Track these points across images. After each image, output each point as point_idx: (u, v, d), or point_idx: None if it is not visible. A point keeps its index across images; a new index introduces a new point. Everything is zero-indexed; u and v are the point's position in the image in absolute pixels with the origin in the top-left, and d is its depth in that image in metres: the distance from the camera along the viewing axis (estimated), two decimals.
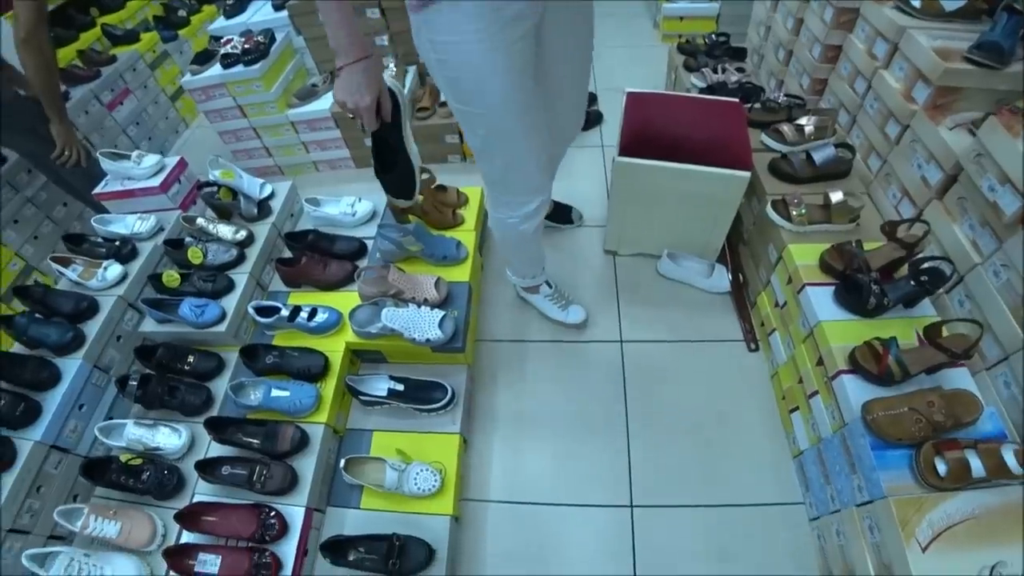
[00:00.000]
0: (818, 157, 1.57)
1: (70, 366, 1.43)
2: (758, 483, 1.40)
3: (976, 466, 1.01)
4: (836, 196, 1.43)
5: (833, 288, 1.33)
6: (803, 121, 1.69)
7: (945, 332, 1.15)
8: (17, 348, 1.48)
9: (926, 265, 1.25)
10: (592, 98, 2.58)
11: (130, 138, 2.64)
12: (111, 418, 1.50)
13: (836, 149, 1.58)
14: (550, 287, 1.70)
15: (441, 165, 2.37)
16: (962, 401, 1.10)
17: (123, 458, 1.36)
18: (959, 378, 1.17)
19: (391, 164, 1.18)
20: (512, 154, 1.17)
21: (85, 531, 1.27)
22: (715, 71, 2.14)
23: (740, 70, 2.15)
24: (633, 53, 3.03)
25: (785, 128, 1.68)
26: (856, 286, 1.27)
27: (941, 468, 1.02)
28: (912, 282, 1.24)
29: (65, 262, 1.58)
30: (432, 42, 0.98)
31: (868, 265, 1.31)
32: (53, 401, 1.38)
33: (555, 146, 1.49)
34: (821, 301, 1.31)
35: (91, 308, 1.52)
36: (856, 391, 1.16)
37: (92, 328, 1.49)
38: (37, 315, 1.49)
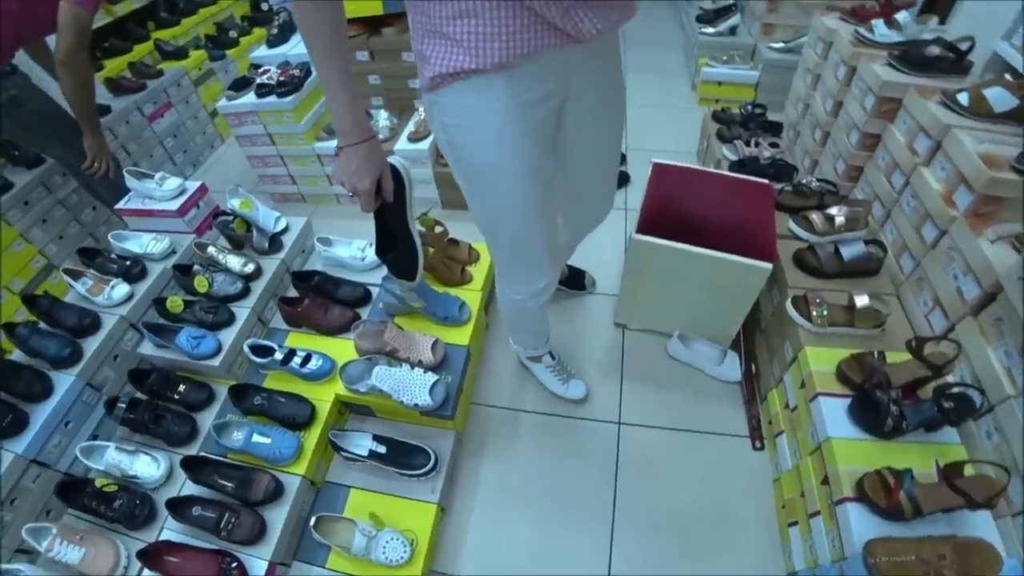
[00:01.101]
0: (847, 253, 1.49)
1: (63, 381, 1.43)
2: None
3: None
4: (861, 300, 1.35)
5: (848, 401, 1.24)
6: (834, 211, 1.61)
7: (968, 469, 1.06)
8: (17, 356, 1.49)
9: (954, 391, 1.16)
10: (621, 158, 2.55)
11: (166, 150, 2.72)
12: (96, 437, 1.49)
13: (867, 246, 1.51)
14: (553, 359, 1.64)
15: (459, 212, 2.35)
16: (979, 553, 0.99)
17: (98, 483, 1.34)
18: (979, 522, 1.06)
19: (391, 244, 1.15)
20: (520, 238, 1.10)
21: (49, 553, 1.25)
22: (748, 144, 2.09)
23: (774, 145, 2.10)
24: (668, 113, 3.00)
25: (814, 217, 1.61)
26: (873, 404, 1.18)
27: None
28: (936, 408, 1.15)
29: (76, 275, 1.60)
30: (443, 124, 0.93)
31: (889, 381, 1.22)
32: (41, 415, 1.37)
33: (575, 233, 1.47)
34: (834, 414, 1.23)
35: (93, 325, 1.52)
36: (861, 523, 1.06)
37: (91, 345, 1.50)
38: (40, 325, 1.50)
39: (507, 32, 0.77)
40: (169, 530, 1.32)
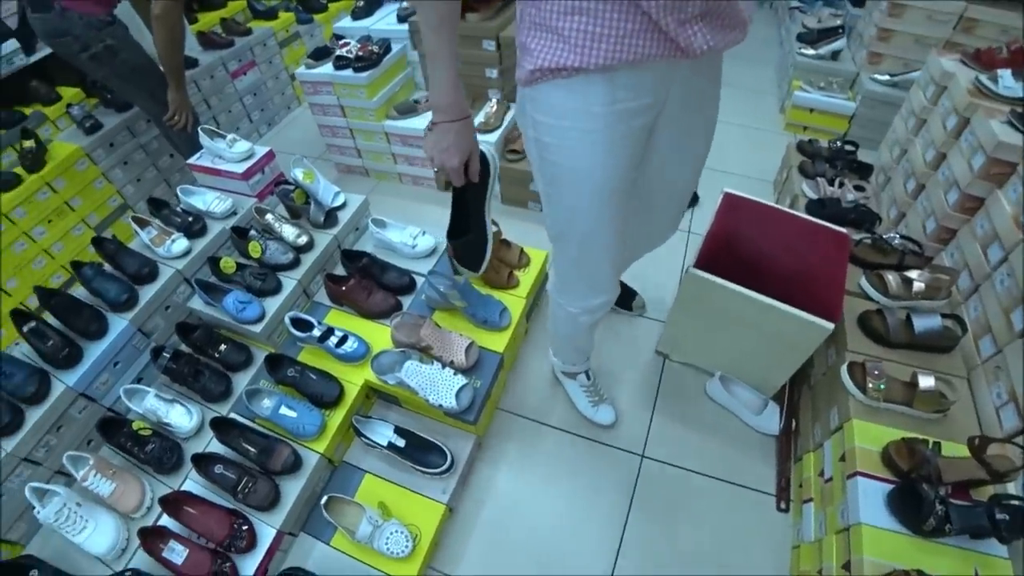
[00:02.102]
0: (919, 325, 1.37)
1: (118, 324, 1.52)
2: None
3: None
4: (926, 381, 1.24)
5: (890, 488, 1.15)
6: (914, 275, 1.48)
7: None
8: (80, 293, 1.58)
9: (1013, 503, 1.05)
10: None
11: (244, 107, 2.81)
12: (140, 380, 1.58)
13: (943, 320, 1.38)
14: (588, 379, 1.60)
15: (518, 209, 2.33)
16: None
17: (135, 425, 1.42)
18: None
19: (464, 229, 1.13)
20: (589, 249, 1.08)
21: (84, 482, 1.34)
22: (832, 183, 1.95)
23: (859, 188, 1.95)
24: (751, 135, 2.82)
25: (890, 278, 1.49)
26: (917, 497, 1.08)
27: None
28: (987, 517, 1.05)
29: (143, 224, 1.68)
30: (535, 121, 0.90)
31: (940, 476, 1.12)
32: (94, 352, 1.46)
33: (639, 249, 1.42)
34: (871, 498, 1.14)
35: (151, 274, 1.60)
36: None
37: (147, 293, 1.58)
38: (105, 268, 1.60)
39: (617, 35, 0.75)
40: (192, 481, 1.39)
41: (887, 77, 2.50)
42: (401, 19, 2.32)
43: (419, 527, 1.35)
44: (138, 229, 1.66)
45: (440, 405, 1.38)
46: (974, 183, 1.57)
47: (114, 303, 1.53)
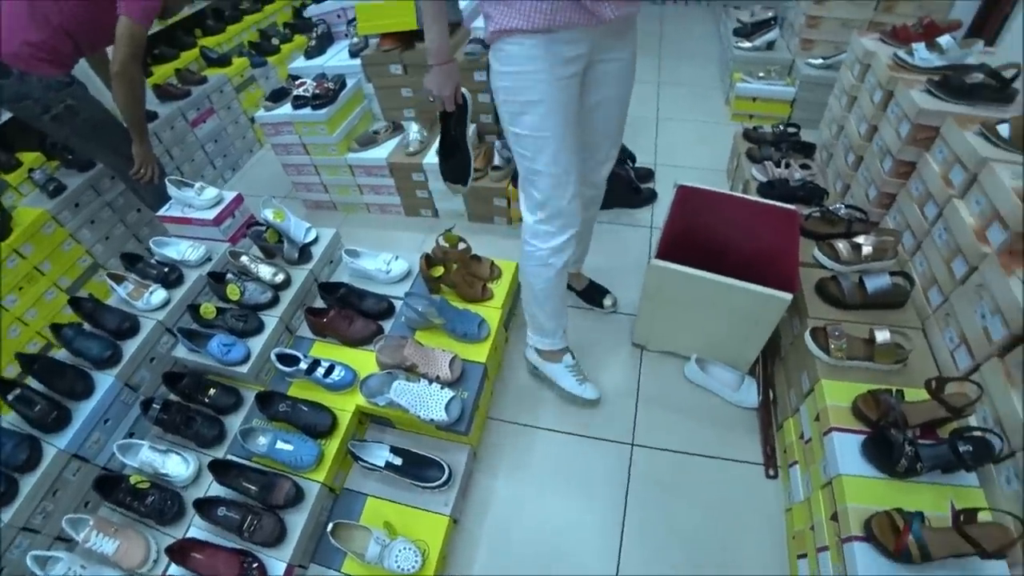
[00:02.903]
0: (871, 285, 1.47)
1: (104, 381, 1.53)
2: None
3: None
4: (882, 336, 1.33)
5: (862, 438, 1.22)
6: (861, 240, 1.58)
7: (983, 514, 1.04)
8: (62, 355, 1.59)
9: (973, 435, 1.13)
10: (648, 174, 2.54)
11: (207, 154, 2.84)
12: (131, 435, 1.58)
13: (892, 278, 1.48)
14: (572, 359, 1.67)
15: (485, 225, 2.40)
16: None
17: (132, 480, 1.43)
18: (991, 568, 1.04)
19: (452, 151, 1.45)
20: (553, 168, 1.28)
21: (86, 544, 1.34)
22: (778, 165, 2.07)
23: (805, 166, 2.06)
24: (700, 128, 2.96)
25: (840, 246, 1.59)
26: (887, 443, 1.16)
27: None
28: (952, 451, 1.13)
29: (118, 279, 1.69)
30: (497, 72, 1.20)
31: (906, 420, 1.20)
32: (83, 412, 1.47)
33: (591, 175, 1.55)
34: (847, 450, 1.21)
35: (133, 328, 1.62)
36: (868, 564, 1.06)
37: (130, 347, 1.59)
38: (84, 327, 1.61)
39: (551, 7, 1.07)
40: (196, 528, 1.39)
41: (820, 60, 2.66)
42: (353, 54, 2.39)
43: (426, 542, 1.37)
44: (114, 285, 1.68)
45: (432, 420, 1.42)
46: (904, 149, 1.69)
47: (98, 361, 1.54)
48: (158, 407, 1.52)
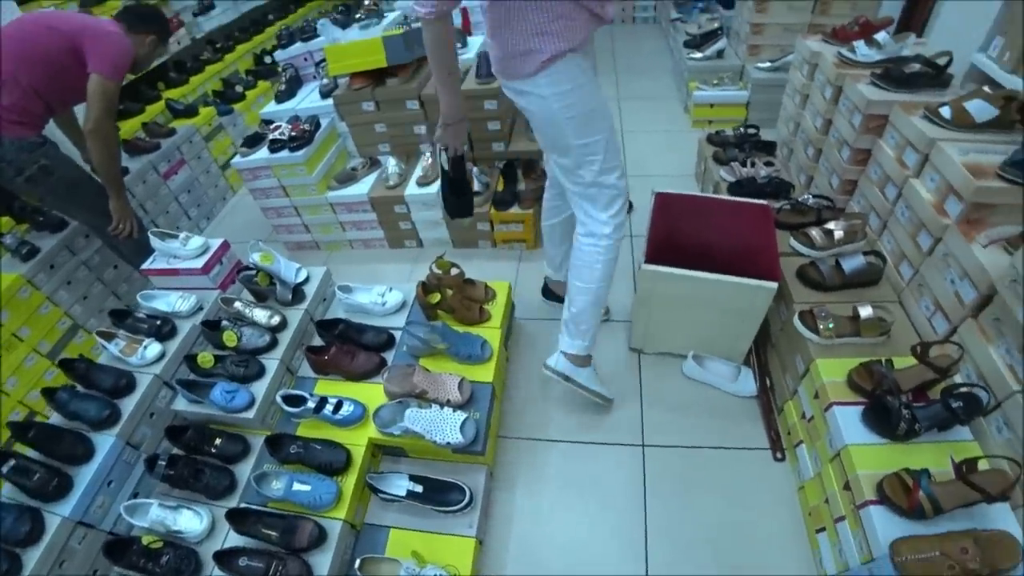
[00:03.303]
0: (848, 266, 1.55)
1: (104, 442, 1.49)
2: None
3: None
4: (865, 311, 1.41)
5: (861, 409, 1.29)
6: (832, 225, 1.68)
7: (983, 463, 1.11)
8: (55, 419, 1.54)
9: (961, 391, 1.21)
10: None
11: (180, 205, 2.81)
12: (136, 494, 1.54)
13: (866, 257, 1.57)
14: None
15: (470, 250, 2.45)
16: (1001, 545, 1.04)
17: (144, 540, 1.38)
18: (998, 515, 1.11)
19: (459, 189, 1.60)
20: (620, 164, 1.45)
21: None
22: (744, 164, 2.18)
23: (769, 164, 2.18)
24: (665, 138, 3.09)
25: (814, 233, 1.69)
26: (885, 409, 1.23)
27: None
28: (945, 409, 1.20)
29: (109, 337, 1.67)
30: (556, 93, 1.29)
31: (898, 386, 1.27)
32: (85, 476, 1.42)
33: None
34: (849, 422, 1.28)
35: (129, 385, 1.59)
36: (885, 525, 1.11)
37: (128, 405, 1.55)
38: (78, 388, 1.57)
39: (580, 24, 1.23)
40: None
41: (768, 64, 2.83)
42: (324, 95, 2.43)
43: (455, 566, 1.37)
44: (104, 343, 1.64)
45: (448, 443, 1.43)
46: (859, 138, 1.81)
47: (96, 422, 1.50)
48: (164, 463, 1.48)
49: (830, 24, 2.22)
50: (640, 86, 3.64)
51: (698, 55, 3.11)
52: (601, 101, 1.38)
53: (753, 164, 2.17)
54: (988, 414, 1.24)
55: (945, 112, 1.54)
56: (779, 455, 1.58)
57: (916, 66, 1.76)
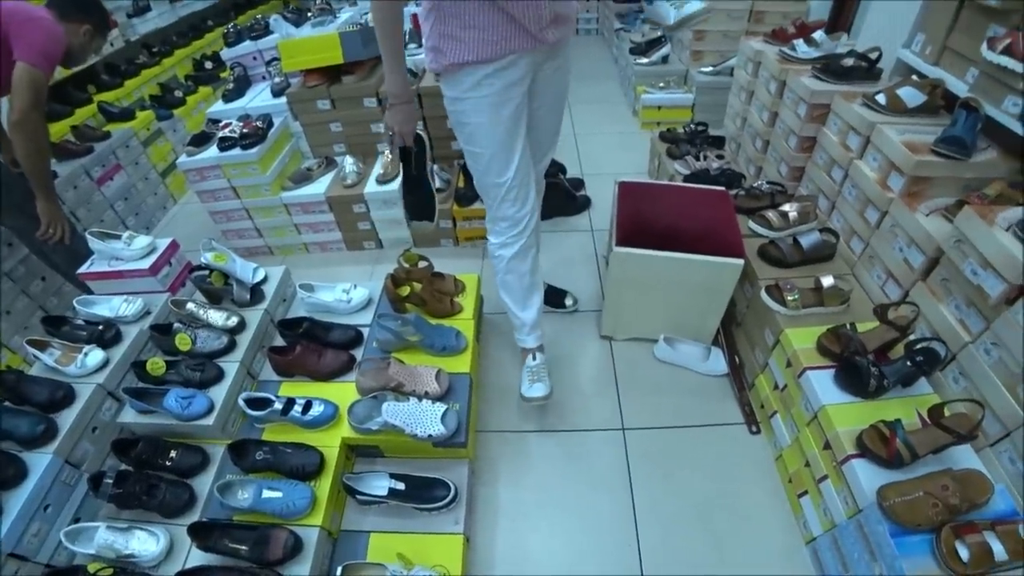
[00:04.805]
0: (805, 242, 1.63)
1: (39, 462, 1.33)
2: (772, 573, 1.34)
3: (998, 549, 1.01)
4: (827, 281, 1.48)
5: (833, 372, 1.35)
6: (787, 208, 1.78)
7: (946, 411, 1.17)
8: None
9: (920, 346, 1.29)
10: (579, 183, 2.68)
11: (117, 213, 2.61)
12: (78, 520, 1.38)
13: (821, 234, 1.66)
14: (535, 360, 1.66)
15: (434, 249, 2.39)
16: (974, 482, 1.10)
17: (91, 568, 1.23)
18: (964, 456, 1.18)
19: (415, 186, 1.45)
20: (505, 169, 1.37)
21: None
22: (697, 158, 2.27)
23: (720, 157, 2.28)
24: (616, 140, 3.18)
25: (771, 215, 1.77)
26: (855, 369, 1.29)
27: (963, 553, 1.01)
28: (909, 363, 1.27)
29: (42, 346, 1.51)
30: (450, 98, 1.29)
31: (864, 347, 1.34)
32: (16, 502, 1.26)
33: (536, 162, 1.60)
34: (822, 384, 1.33)
35: (67, 397, 1.43)
36: (868, 476, 1.16)
37: (67, 419, 1.40)
38: (6, 404, 1.40)
39: (499, 39, 1.16)
40: None
41: (710, 68, 2.98)
42: (277, 93, 2.35)
43: (444, 566, 1.30)
44: (37, 353, 1.48)
45: (429, 435, 1.37)
46: (805, 127, 1.93)
47: (28, 440, 1.34)
48: (111, 481, 1.34)
49: (763, 30, 2.38)
50: (588, 91, 3.75)
51: (644, 60, 3.24)
52: (497, 126, 1.29)
53: (705, 157, 2.27)
54: (945, 367, 1.32)
55: (880, 99, 1.67)
56: (754, 428, 1.62)
57: (851, 61, 1.90)
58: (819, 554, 1.32)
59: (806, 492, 1.37)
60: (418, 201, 1.48)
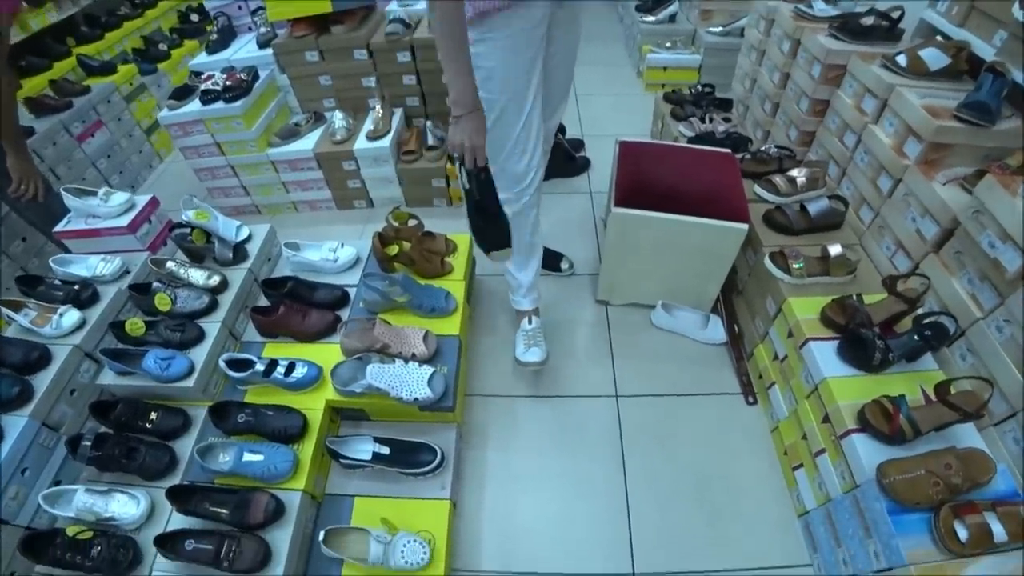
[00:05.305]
0: (813, 209, 1.56)
1: (14, 424, 1.28)
2: (763, 544, 1.33)
3: (998, 531, 0.98)
4: (835, 249, 1.42)
5: (836, 343, 1.29)
6: (795, 173, 1.70)
7: (952, 389, 1.13)
8: None
9: (929, 320, 1.23)
10: (579, 144, 2.59)
11: (99, 171, 2.52)
12: (58, 483, 1.35)
13: (830, 201, 1.58)
14: (530, 323, 1.62)
15: (427, 209, 2.33)
16: (977, 462, 1.06)
17: (69, 531, 1.20)
18: (966, 435, 1.14)
19: (487, 214, 1.24)
20: (520, 113, 1.29)
21: None
22: (702, 120, 2.17)
23: (727, 120, 2.18)
24: (618, 101, 3.07)
25: (778, 180, 1.69)
26: (860, 341, 1.24)
27: (962, 533, 0.98)
28: (916, 337, 1.22)
29: (16, 306, 1.45)
30: (472, 40, 1.14)
31: (870, 320, 1.28)
32: None
33: (547, 118, 1.52)
34: (825, 356, 1.28)
35: (43, 358, 1.38)
36: (868, 451, 1.12)
37: (43, 381, 1.35)
38: None
39: None
40: (161, 572, 1.20)
41: (720, 28, 2.84)
42: (262, 44, 2.23)
43: (430, 531, 1.28)
44: (11, 314, 1.43)
45: (415, 399, 1.33)
46: (818, 89, 1.83)
47: (3, 402, 1.29)
48: (89, 443, 1.30)
49: None
50: (592, 52, 3.56)
51: (651, 19, 3.10)
52: (512, 71, 1.23)
53: (711, 120, 2.16)
54: (952, 343, 1.27)
55: (901, 60, 1.57)
56: (751, 399, 1.59)
57: (871, 19, 1.79)
58: (811, 527, 1.30)
59: (801, 465, 1.34)
60: (493, 230, 1.28)
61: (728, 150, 1.77)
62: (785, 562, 1.30)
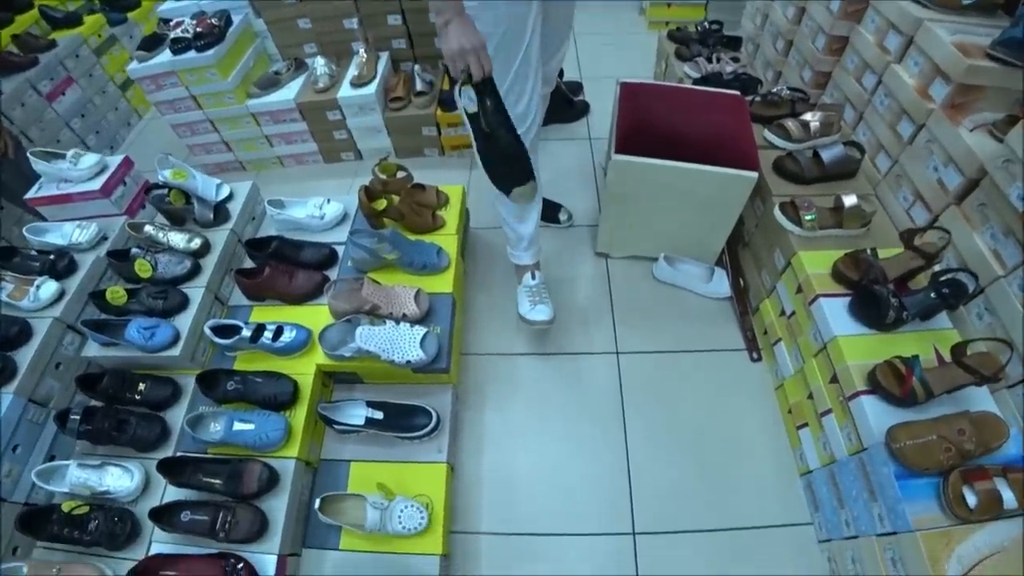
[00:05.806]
0: (827, 156, 1.46)
1: (0, 402, 1.25)
2: (764, 503, 1.32)
3: (1008, 497, 0.95)
4: (850, 200, 1.33)
5: (847, 300, 1.23)
6: (808, 117, 1.58)
7: (968, 350, 1.07)
8: None
9: (947, 277, 1.16)
10: (578, 87, 2.45)
11: (74, 132, 2.41)
12: (52, 458, 1.33)
13: (845, 148, 1.48)
14: (533, 279, 1.57)
15: (417, 160, 2.22)
16: (990, 426, 1.02)
17: (65, 507, 1.19)
18: (979, 397, 1.10)
19: (501, 144, 1.08)
20: (522, 63, 1.19)
21: None
22: (709, 60, 2.02)
23: (735, 59, 2.04)
24: (618, 41, 2.89)
25: (790, 124, 1.58)
26: (874, 298, 1.17)
27: (971, 499, 0.95)
28: (933, 295, 1.16)
29: None
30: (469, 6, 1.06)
31: (885, 275, 1.21)
32: None
33: (547, 60, 1.43)
34: (835, 314, 1.22)
35: (23, 333, 1.33)
36: (877, 414, 1.08)
37: (25, 356, 1.31)
38: None
39: None
40: (159, 543, 1.20)
41: None
42: None
43: (428, 495, 1.27)
44: None
45: (408, 361, 1.29)
46: (837, 24, 1.69)
47: None
48: (77, 417, 1.27)
49: None
50: None
51: None
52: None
53: (718, 60, 2.02)
54: (969, 302, 1.21)
55: None
56: (755, 355, 1.54)
57: None
58: (813, 487, 1.28)
59: (806, 424, 1.31)
60: (512, 161, 1.11)
61: (737, 92, 1.65)
62: (786, 520, 1.29)
